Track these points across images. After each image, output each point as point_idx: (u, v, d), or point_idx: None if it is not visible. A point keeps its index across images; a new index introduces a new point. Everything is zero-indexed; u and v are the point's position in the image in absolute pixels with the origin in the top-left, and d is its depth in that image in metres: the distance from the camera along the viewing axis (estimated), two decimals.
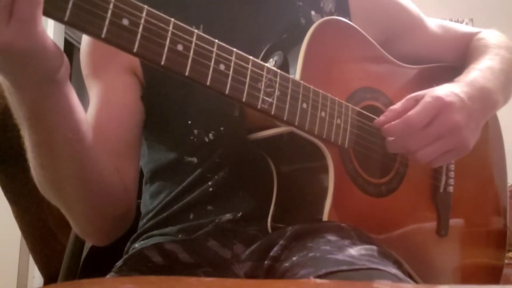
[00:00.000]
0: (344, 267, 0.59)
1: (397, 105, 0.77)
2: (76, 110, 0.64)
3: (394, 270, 0.62)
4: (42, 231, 0.92)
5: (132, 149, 0.82)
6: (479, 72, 0.86)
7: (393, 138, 0.77)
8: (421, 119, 0.74)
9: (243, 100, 0.64)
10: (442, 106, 0.74)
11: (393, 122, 0.75)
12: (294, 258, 0.66)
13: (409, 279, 0.64)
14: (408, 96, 0.77)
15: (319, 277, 0.57)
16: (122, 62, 0.81)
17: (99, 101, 0.81)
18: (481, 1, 3.31)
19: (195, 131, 0.81)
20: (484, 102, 0.80)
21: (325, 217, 0.72)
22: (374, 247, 0.67)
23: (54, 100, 0.60)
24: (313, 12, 0.87)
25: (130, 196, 0.80)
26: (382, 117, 0.77)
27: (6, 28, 0.49)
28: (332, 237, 0.68)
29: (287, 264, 0.66)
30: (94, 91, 0.82)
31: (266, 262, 0.70)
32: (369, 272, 0.59)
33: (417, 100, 0.76)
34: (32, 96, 0.58)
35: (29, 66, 0.54)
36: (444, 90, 0.77)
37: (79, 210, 0.74)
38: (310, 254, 0.65)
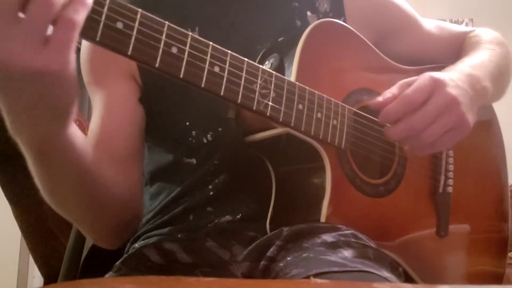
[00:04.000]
0: (335, 269, 0.59)
1: (392, 89, 0.75)
2: (76, 146, 0.63)
3: (386, 274, 0.62)
4: (42, 231, 0.92)
5: (136, 153, 0.84)
6: (468, 62, 0.85)
7: (395, 123, 0.74)
8: (419, 95, 0.73)
9: (238, 101, 0.64)
10: (436, 83, 0.74)
11: (392, 103, 0.73)
12: (288, 258, 0.66)
13: (402, 284, 0.64)
14: (401, 81, 0.76)
15: (309, 277, 0.57)
16: (121, 68, 0.82)
17: (102, 109, 0.83)
18: (481, 1, 3.29)
19: (193, 132, 0.81)
20: (472, 87, 0.79)
21: (322, 218, 0.72)
22: (370, 250, 0.68)
23: (59, 140, 0.60)
24: (309, 13, 0.87)
25: (136, 199, 0.82)
26: (379, 99, 0.75)
27: (42, 51, 0.49)
28: (328, 238, 0.68)
29: (281, 264, 0.66)
30: (96, 99, 0.84)
31: (262, 262, 0.70)
32: (360, 274, 0.59)
33: (409, 84, 0.75)
34: (41, 134, 0.58)
35: (54, 92, 0.53)
36: (435, 73, 0.76)
37: (87, 223, 0.77)
38: (304, 255, 0.65)
